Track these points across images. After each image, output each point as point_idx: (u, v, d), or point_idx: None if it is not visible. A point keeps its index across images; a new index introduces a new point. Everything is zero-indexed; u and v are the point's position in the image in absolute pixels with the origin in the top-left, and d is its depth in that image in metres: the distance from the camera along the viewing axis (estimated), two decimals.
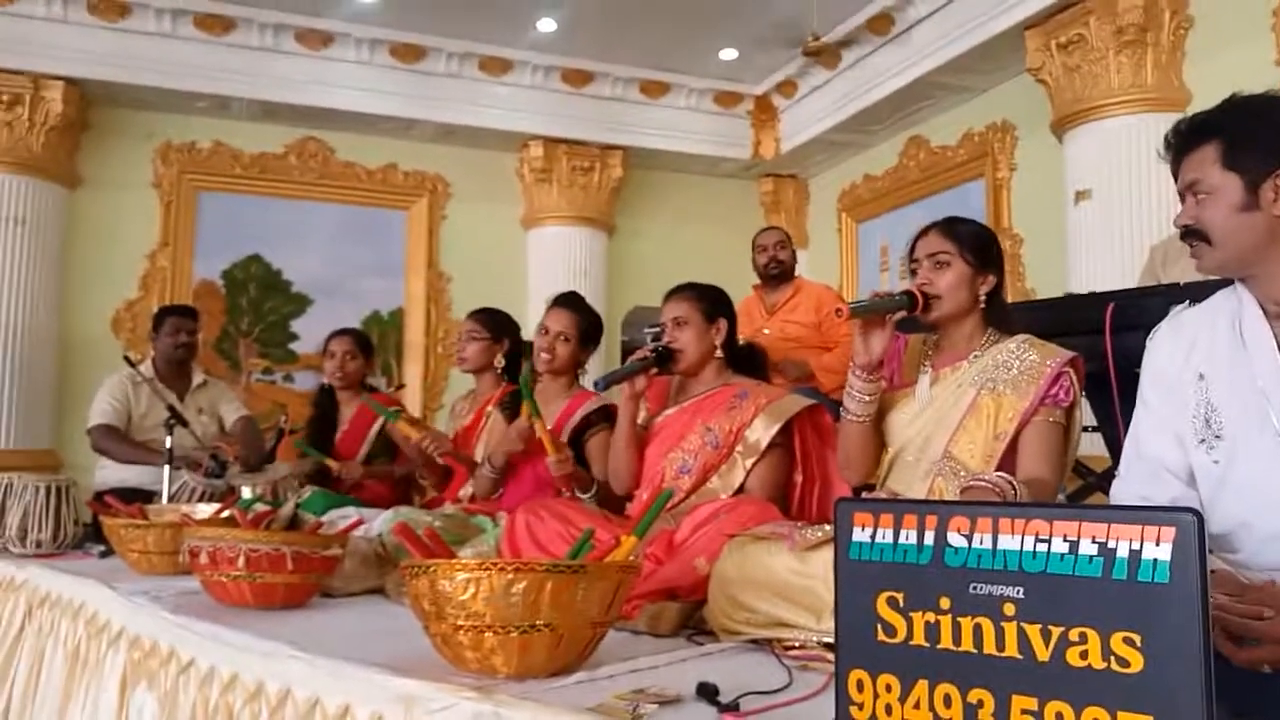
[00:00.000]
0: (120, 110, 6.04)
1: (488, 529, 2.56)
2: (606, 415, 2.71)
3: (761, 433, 2.33)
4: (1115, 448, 2.42)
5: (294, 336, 6.36)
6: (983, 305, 1.99)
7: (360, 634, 1.80)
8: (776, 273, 4.20)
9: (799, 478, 2.38)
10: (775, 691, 1.30)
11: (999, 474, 1.74)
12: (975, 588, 0.91)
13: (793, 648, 1.54)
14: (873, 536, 0.99)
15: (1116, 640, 0.83)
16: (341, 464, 3.47)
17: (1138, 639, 0.82)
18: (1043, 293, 5.04)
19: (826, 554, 1.54)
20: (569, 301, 2.87)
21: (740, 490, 2.31)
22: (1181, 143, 1.47)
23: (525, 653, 1.32)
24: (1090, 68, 4.65)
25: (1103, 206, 4.54)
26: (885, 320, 1.92)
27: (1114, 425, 2.35)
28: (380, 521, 2.53)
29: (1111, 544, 0.85)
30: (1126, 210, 4.43)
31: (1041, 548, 0.88)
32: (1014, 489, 1.68)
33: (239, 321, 6.27)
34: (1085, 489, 2.95)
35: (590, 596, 1.36)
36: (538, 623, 1.31)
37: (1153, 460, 1.51)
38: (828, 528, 1.61)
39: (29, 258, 5.61)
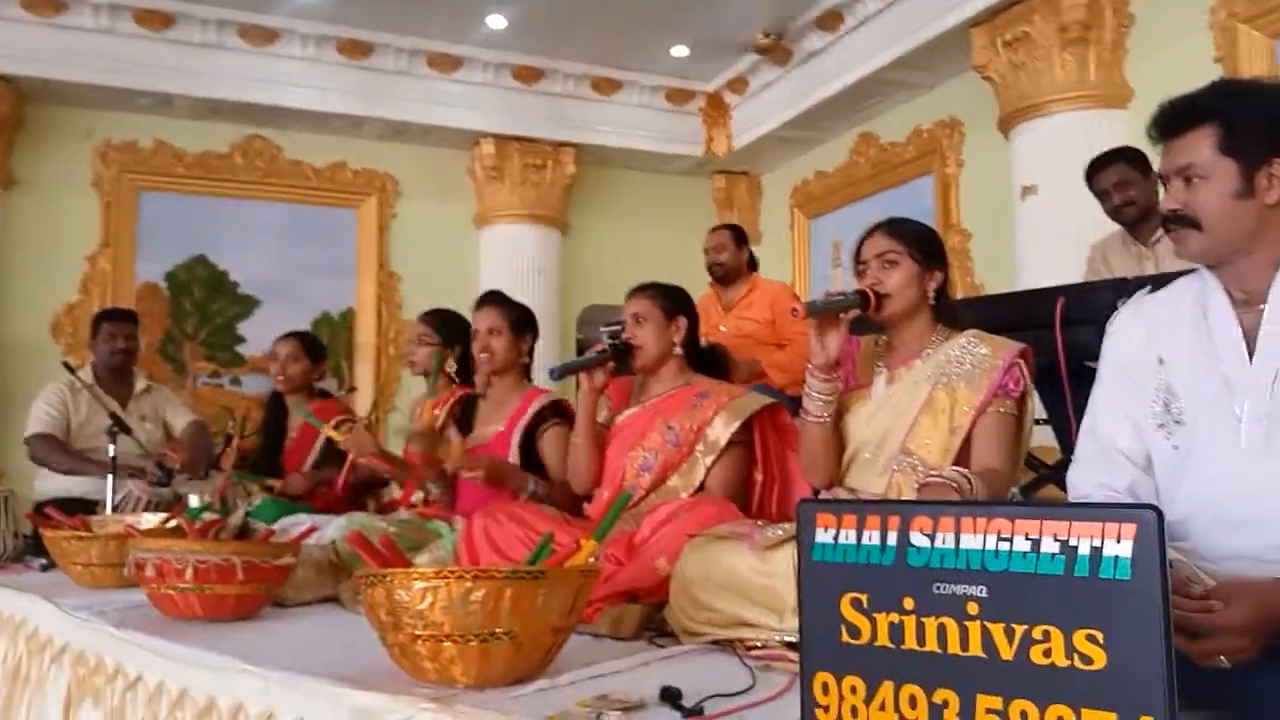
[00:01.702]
0: (57, 108, 5.86)
1: (444, 534, 2.52)
2: (559, 410, 2.69)
3: (721, 430, 2.33)
4: (1067, 440, 2.45)
5: (241, 339, 6.23)
6: (931, 302, 2.01)
7: (314, 645, 1.77)
8: (720, 275, 4.26)
9: (759, 476, 2.38)
10: (739, 694, 1.29)
11: (955, 469, 1.75)
12: (939, 587, 0.91)
13: (755, 648, 1.54)
14: (836, 537, 0.98)
15: (1079, 638, 0.83)
16: (283, 482, 3.36)
17: (1100, 636, 0.82)
18: (992, 288, 5.10)
19: (787, 553, 1.54)
20: (491, 298, 2.88)
21: (700, 489, 2.30)
22: (1170, 125, 1.41)
23: (485, 662, 1.30)
24: (1035, 65, 4.71)
25: (1050, 202, 4.60)
26: (839, 319, 1.93)
27: (1065, 419, 2.38)
28: (333, 528, 2.49)
29: (1073, 541, 0.85)
30: (1073, 205, 4.50)
31: (1004, 546, 0.89)
32: (970, 483, 1.69)
33: (184, 324, 6.13)
34: (1038, 482, 2.99)
35: (551, 603, 1.34)
36: (497, 631, 1.29)
37: (1109, 445, 1.49)
38: (788, 526, 1.61)
39: None
